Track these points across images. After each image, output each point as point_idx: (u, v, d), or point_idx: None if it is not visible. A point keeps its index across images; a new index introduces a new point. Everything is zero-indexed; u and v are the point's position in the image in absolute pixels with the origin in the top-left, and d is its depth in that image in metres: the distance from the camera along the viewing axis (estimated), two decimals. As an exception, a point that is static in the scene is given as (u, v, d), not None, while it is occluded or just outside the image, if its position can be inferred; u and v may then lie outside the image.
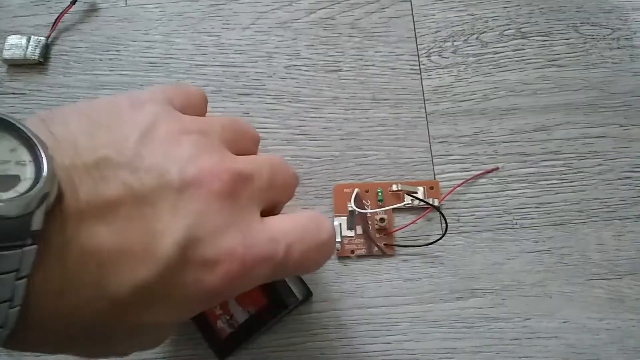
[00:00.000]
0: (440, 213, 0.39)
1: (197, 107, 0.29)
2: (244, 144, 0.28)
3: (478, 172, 0.41)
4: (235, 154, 0.26)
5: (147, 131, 0.24)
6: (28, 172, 0.20)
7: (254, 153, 0.29)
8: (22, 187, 0.19)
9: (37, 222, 0.19)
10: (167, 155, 0.23)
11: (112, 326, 0.23)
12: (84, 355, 0.26)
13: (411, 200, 0.40)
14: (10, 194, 0.19)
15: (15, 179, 0.19)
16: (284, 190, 0.29)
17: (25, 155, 0.20)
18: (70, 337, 0.23)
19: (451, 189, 0.40)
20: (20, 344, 0.22)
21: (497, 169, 0.41)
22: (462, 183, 0.40)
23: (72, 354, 0.25)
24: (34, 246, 0.19)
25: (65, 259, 0.20)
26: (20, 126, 0.20)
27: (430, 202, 0.39)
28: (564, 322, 0.38)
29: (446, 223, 0.39)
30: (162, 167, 0.23)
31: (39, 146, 0.20)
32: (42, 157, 0.20)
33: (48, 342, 0.23)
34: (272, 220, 0.26)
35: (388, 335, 0.38)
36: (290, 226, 0.27)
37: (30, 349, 0.24)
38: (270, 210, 0.27)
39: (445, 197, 0.40)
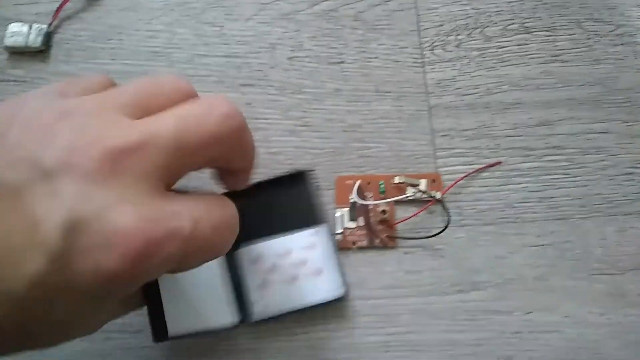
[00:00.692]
0: (443, 205, 0.39)
1: (100, 88, 0.27)
2: (160, 102, 0.26)
3: (481, 166, 0.41)
4: (146, 116, 0.25)
5: (28, 117, 0.23)
6: None
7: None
8: None
9: None
10: (42, 142, 0.22)
11: (25, 327, 0.22)
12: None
13: (413, 192, 0.39)
14: None
15: None
16: (212, 145, 0.25)
17: None
18: None
19: (454, 181, 0.40)
20: None
21: (499, 163, 0.41)
22: (465, 176, 0.40)
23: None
24: None
25: None
26: None
27: (433, 195, 0.39)
28: (565, 316, 0.38)
29: (448, 215, 0.39)
30: (35, 154, 0.22)
31: None
32: None
33: None
34: (173, 195, 0.24)
35: (389, 327, 0.38)
36: (193, 201, 0.25)
37: None
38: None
39: (448, 189, 0.40)
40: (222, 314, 0.36)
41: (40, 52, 0.43)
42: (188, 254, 0.24)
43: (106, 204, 0.22)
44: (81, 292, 0.22)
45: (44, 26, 0.44)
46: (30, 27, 0.43)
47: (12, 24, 0.43)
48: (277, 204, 0.39)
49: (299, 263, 0.37)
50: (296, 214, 0.39)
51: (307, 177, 0.39)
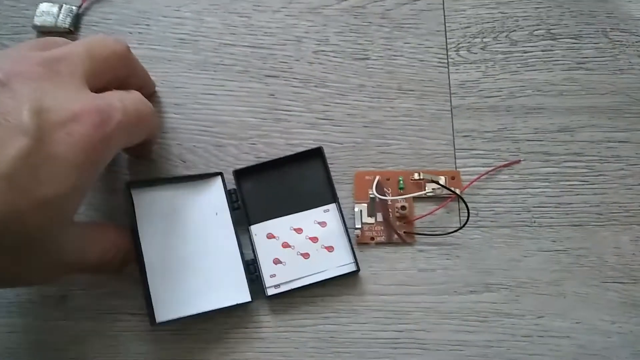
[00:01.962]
0: (463, 200, 0.39)
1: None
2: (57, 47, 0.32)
3: (501, 164, 0.41)
4: None
5: None
6: None
7: None
8: None
9: None
10: None
11: (17, 206, 0.26)
12: (24, 276, 0.31)
13: (432, 189, 0.40)
14: None
15: None
16: (112, 62, 0.34)
17: None
18: None
19: (474, 178, 0.40)
20: None
21: (519, 161, 0.41)
22: (485, 173, 0.41)
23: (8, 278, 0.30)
24: None
25: None
26: None
27: (453, 190, 0.39)
28: (577, 322, 0.38)
29: (468, 210, 0.39)
30: None
31: None
32: None
33: None
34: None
35: (399, 324, 0.38)
36: (114, 92, 0.32)
37: None
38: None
39: (467, 186, 0.40)
40: (237, 292, 0.37)
41: (69, 33, 0.44)
42: (128, 124, 0.31)
43: (57, 94, 0.28)
44: (65, 160, 0.27)
45: (74, 7, 0.44)
46: (60, 8, 0.44)
47: (43, 4, 0.44)
48: (292, 180, 0.40)
49: (312, 239, 0.39)
50: (310, 191, 0.40)
51: (323, 155, 0.40)
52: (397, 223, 0.40)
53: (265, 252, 0.38)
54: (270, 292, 0.38)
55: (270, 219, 0.39)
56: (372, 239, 0.40)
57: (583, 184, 0.41)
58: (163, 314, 0.35)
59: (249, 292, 0.37)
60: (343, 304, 0.39)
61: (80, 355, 0.37)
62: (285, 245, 0.39)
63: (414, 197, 0.40)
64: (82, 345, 0.38)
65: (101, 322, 0.38)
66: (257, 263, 0.38)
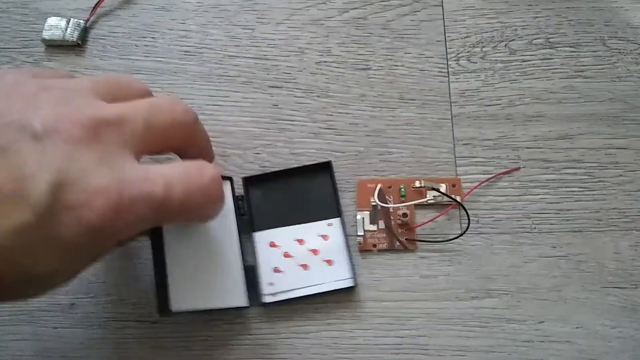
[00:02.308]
0: (463, 208, 0.40)
1: (66, 77, 0.31)
2: (125, 94, 0.30)
3: (502, 171, 0.41)
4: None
5: (8, 90, 0.26)
6: None
7: None
8: None
9: None
10: (29, 108, 0.25)
11: (4, 278, 0.24)
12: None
13: (433, 196, 0.40)
14: None
15: None
16: (171, 128, 0.30)
17: None
18: None
19: (475, 185, 0.41)
20: None
21: (519, 169, 0.41)
22: (486, 180, 0.41)
23: None
24: None
25: None
26: None
27: (453, 197, 0.40)
28: (577, 327, 0.39)
29: (468, 217, 0.40)
30: (23, 119, 0.24)
31: None
32: None
33: None
34: (147, 165, 0.27)
35: (402, 330, 0.39)
36: (168, 168, 0.28)
37: None
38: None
39: (468, 193, 0.41)
40: (235, 295, 0.37)
41: (76, 47, 0.45)
42: (164, 216, 0.28)
43: (88, 166, 0.25)
44: (65, 244, 0.24)
45: (81, 21, 0.45)
46: (68, 22, 0.45)
47: (51, 18, 0.45)
48: (298, 192, 0.41)
49: (312, 251, 0.39)
50: (316, 204, 0.40)
51: (331, 169, 0.41)
52: (399, 230, 0.40)
53: (266, 260, 0.39)
54: (267, 299, 0.38)
55: (274, 228, 0.40)
56: (375, 246, 0.40)
57: (583, 191, 0.41)
58: (177, 304, 0.34)
59: (247, 297, 0.37)
60: (346, 310, 0.39)
61: (89, 362, 0.38)
62: (286, 255, 0.39)
63: (415, 205, 0.41)
64: (91, 352, 0.38)
65: (109, 329, 0.39)
66: (257, 270, 0.39)
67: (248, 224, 0.40)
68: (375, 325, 0.39)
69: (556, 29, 0.45)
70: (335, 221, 0.40)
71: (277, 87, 0.44)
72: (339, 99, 0.44)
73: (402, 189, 0.41)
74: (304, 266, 0.39)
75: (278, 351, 0.38)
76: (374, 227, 0.40)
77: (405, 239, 0.40)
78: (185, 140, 0.32)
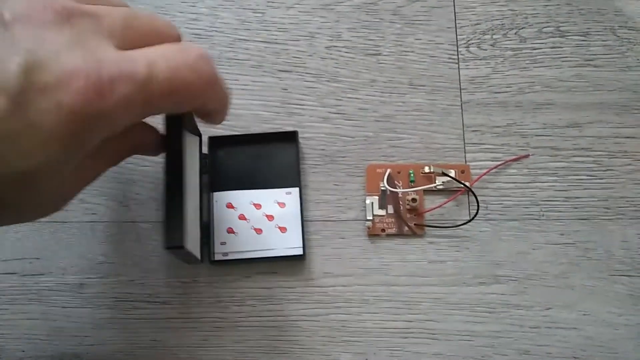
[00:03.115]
0: (473, 193, 0.40)
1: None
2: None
3: (510, 157, 0.42)
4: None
5: None
6: None
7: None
8: None
9: None
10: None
11: None
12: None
13: (442, 182, 0.40)
14: None
15: None
16: (152, 36, 0.27)
17: None
18: None
19: (484, 172, 0.41)
20: None
21: (528, 156, 0.42)
22: (494, 167, 0.41)
23: None
24: None
25: None
26: None
27: (464, 184, 0.40)
28: (584, 314, 0.39)
29: (477, 203, 0.40)
30: None
31: None
32: None
33: None
34: (129, 50, 0.25)
35: (409, 314, 0.39)
36: (150, 49, 0.26)
37: None
38: None
39: (477, 180, 0.41)
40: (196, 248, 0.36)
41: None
42: (151, 98, 0.25)
43: (61, 47, 0.23)
44: (47, 132, 0.23)
45: (92, 2, 0.45)
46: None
47: None
48: (263, 158, 0.41)
49: (268, 217, 0.40)
50: (278, 171, 0.41)
51: (297, 139, 0.41)
52: (408, 215, 0.40)
53: (221, 220, 0.40)
54: (217, 257, 0.39)
55: (233, 190, 0.40)
56: (383, 230, 0.40)
57: (591, 179, 0.41)
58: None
59: (199, 253, 0.36)
60: (355, 294, 0.39)
61: (98, 342, 0.38)
62: (242, 217, 0.40)
63: (424, 190, 0.41)
64: (100, 332, 0.38)
65: (118, 309, 0.39)
66: (211, 228, 0.39)
67: (208, 183, 0.40)
68: (383, 309, 0.39)
69: (566, 18, 0.45)
70: (294, 190, 0.40)
71: (287, 71, 0.44)
72: (349, 83, 0.44)
73: (412, 174, 0.41)
74: (258, 230, 0.40)
75: (288, 333, 0.39)
76: (382, 212, 0.41)
77: (414, 224, 0.40)
78: (204, 91, 0.28)
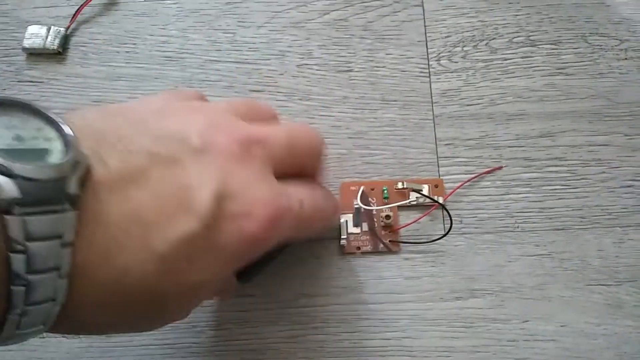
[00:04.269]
0: (445, 209, 0.40)
1: (200, 99, 0.32)
2: (259, 117, 0.31)
3: (484, 170, 0.41)
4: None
5: (159, 110, 0.26)
6: (57, 145, 0.21)
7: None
8: (53, 157, 0.21)
9: (72, 187, 0.20)
10: (185, 124, 0.26)
11: (164, 287, 0.24)
12: (134, 330, 0.27)
13: (416, 197, 0.40)
14: (44, 162, 0.20)
15: (45, 152, 0.21)
16: (306, 154, 0.32)
17: (51, 132, 0.21)
18: (120, 309, 0.23)
19: (456, 186, 0.41)
20: (67, 322, 0.22)
21: (501, 168, 0.42)
22: (468, 180, 0.41)
23: (122, 330, 0.27)
24: (74, 211, 0.20)
25: (107, 223, 0.22)
26: (43, 111, 0.22)
27: (435, 199, 0.40)
28: (562, 325, 0.39)
29: (450, 218, 0.40)
30: (182, 134, 0.25)
31: (62, 125, 0.21)
32: (67, 134, 0.21)
33: (96, 317, 0.24)
34: (282, 181, 0.29)
35: (387, 332, 0.39)
36: (298, 186, 0.30)
37: (78, 328, 0.25)
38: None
39: (450, 194, 0.41)
40: None
41: (57, 54, 0.45)
42: (298, 227, 0.29)
43: (248, 179, 0.26)
44: (225, 254, 0.25)
45: (62, 29, 0.45)
46: (49, 30, 0.45)
47: (31, 26, 0.45)
48: None
49: None
50: None
51: None
52: (383, 232, 0.40)
53: None
54: None
55: None
56: (358, 248, 0.40)
57: (565, 188, 0.41)
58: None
59: None
60: (331, 313, 0.39)
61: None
62: None
63: (398, 206, 0.41)
64: (76, 362, 0.38)
65: (93, 337, 0.39)
66: None
67: None
68: (361, 327, 0.39)
69: (537, 27, 0.45)
70: None
71: (259, 91, 0.44)
72: (321, 101, 0.44)
73: (385, 191, 0.41)
74: None
75: (265, 356, 0.38)
76: (357, 230, 0.40)
77: (389, 241, 0.40)
78: (315, 167, 0.34)
